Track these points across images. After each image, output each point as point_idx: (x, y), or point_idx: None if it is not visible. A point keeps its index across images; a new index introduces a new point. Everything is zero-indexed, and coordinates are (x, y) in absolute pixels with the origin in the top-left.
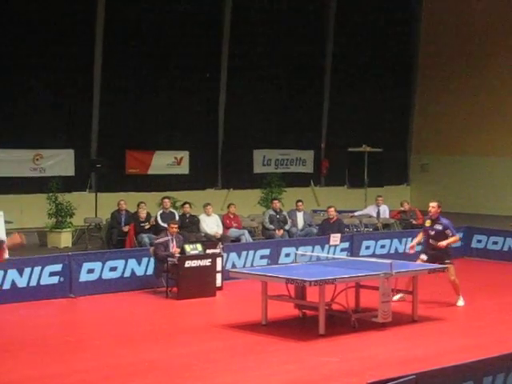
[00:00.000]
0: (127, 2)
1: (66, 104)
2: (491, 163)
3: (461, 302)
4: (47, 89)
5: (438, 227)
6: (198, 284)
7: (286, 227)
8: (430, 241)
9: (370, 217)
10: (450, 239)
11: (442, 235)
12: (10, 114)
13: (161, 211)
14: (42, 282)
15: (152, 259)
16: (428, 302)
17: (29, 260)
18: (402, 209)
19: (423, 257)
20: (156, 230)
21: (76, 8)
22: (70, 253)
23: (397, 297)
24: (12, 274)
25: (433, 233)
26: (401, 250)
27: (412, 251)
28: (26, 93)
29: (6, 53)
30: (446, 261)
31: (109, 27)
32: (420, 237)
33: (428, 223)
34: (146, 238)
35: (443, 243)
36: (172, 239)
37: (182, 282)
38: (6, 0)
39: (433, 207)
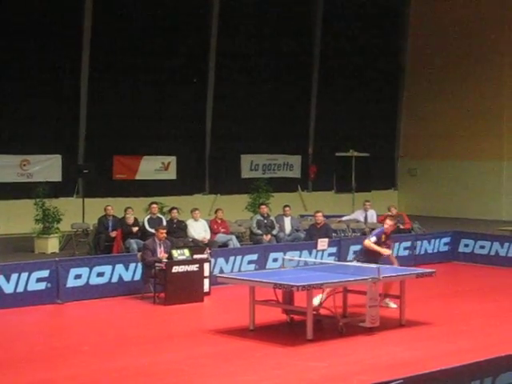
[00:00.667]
0: (114, 9)
1: (53, 109)
2: (478, 167)
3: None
4: (34, 94)
5: (389, 242)
6: (186, 289)
7: (274, 232)
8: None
9: (358, 222)
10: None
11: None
12: None
13: (148, 216)
14: (30, 288)
15: (139, 264)
16: (415, 306)
17: (16, 266)
18: (390, 213)
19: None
20: (143, 235)
21: (63, 15)
22: (57, 258)
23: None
24: None
25: (384, 246)
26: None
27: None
28: (12, 98)
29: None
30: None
31: (96, 33)
32: None
33: (383, 238)
34: (133, 243)
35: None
36: (159, 244)
37: (170, 287)
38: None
39: (391, 225)
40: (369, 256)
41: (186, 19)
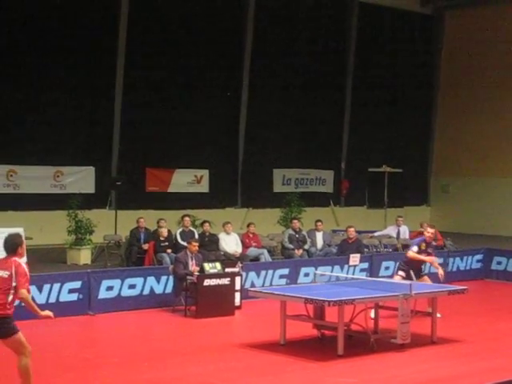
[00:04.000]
0: (148, 19)
1: (87, 121)
2: (511, 185)
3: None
4: (69, 106)
5: (430, 250)
6: (217, 303)
7: (306, 247)
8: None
9: (390, 237)
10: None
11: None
12: (32, 131)
13: (180, 229)
14: (61, 299)
15: (171, 277)
16: (447, 322)
17: (48, 276)
18: (422, 230)
19: (401, 273)
20: (175, 248)
21: (99, 26)
22: (89, 270)
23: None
24: (31, 290)
25: (424, 255)
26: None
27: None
28: (47, 110)
29: (29, 71)
30: (422, 272)
31: (130, 45)
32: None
33: (423, 246)
34: (166, 257)
35: (442, 272)
36: (191, 257)
37: (201, 300)
38: (28, 21)
39: (431, 233)
40: (412, 264)
41: (220, 34)
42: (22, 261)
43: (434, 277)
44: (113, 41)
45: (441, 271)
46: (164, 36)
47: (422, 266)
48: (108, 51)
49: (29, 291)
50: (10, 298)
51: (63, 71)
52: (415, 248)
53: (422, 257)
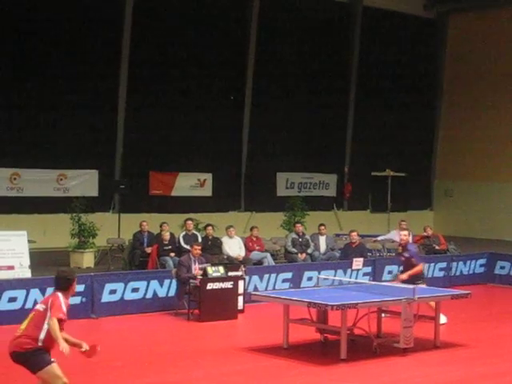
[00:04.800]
0: (152, 23)
1: (91, 125)
2: None
3: (443, 319)
4: (72, 109)
5: (406, 254)
6: (220, 306)
7: (309, 251)
8: (401, 270)
9: (393, 241)
10: (415, 269)
11: (408, 262)
12: (35, 135)
13: (183, 233)
14: None
15: (174, 281)
16: (450, 327)
17: (51, 280)
18: (425, 234)
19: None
20: (179, 251)
21: (102, 30)
22: (92, 273)
23: None
24: (34, 293)
25: (402, 259)
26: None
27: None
28: (50, 114)
29: (32, 74)
30: (417, 281)
31: (134, 49)
32: None
33: (399, 249)
34: (169, 260)
35: (404, 276)
36: (195, 261)
37: (204, 304)
38: (32, 25)
39: (405, 235)
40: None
41: (224, 38)
42: (63, 296)
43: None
44: (117, 45)
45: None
46: (168, 40)
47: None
48: (112, 55)
49: (62, 324)
50: (43, 334)
51: (67, 75)
52: None
53: None
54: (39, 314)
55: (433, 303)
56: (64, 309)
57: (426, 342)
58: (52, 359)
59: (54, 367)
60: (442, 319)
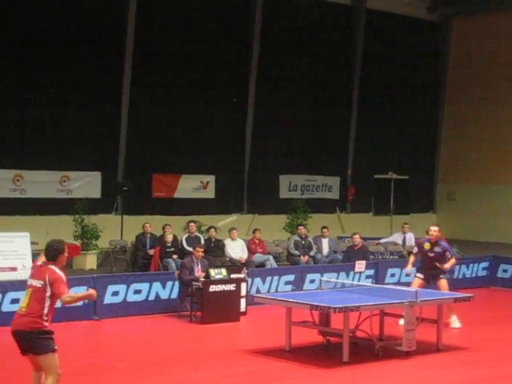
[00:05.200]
0: (155, 30)
1: (94, 127)
2: None
3: (457, 324)
4: (75, 111)
5: (438, 250)
6: (222, 309)
7: (311, 253)
8: (435, 262)
9: (396, 244)
10: (451, 261)
11: (441, 257)
12: (38, 136)
13: (186, 235)
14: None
15: (177, 283)
16: (453, 330)
17: None
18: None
19: (419, 275)
20: (181, 253)
21: (105, 31)
22: (94, 275)
23: None
24: None
25: (432, 255)
26: None
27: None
28: (54, 115)
29: (34, 76)
30: (441, 275)
31: (138, 51)
32: (413, 259)
33: (427, 246)
34: (172, 262)
35: (447, 265)
36: (197, 263)
37: (206, 306)
38: (34, 26)
39: (434, 231)
40: (424, 266)
41: (227, 41)
42: (57, 268)
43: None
44: (120, 48)
45: (447, 266)
46: (171, 43)
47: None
48: (115, 58)
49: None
50: (46, 310)
51: (70, 77)
52: (415, 249)
53: (410, 258)
54: (38, 291)
55: (453, 305)
56: (65, 279)
57: (429, 345)
58: (56, 347)
59: (56, 356)
60: (456, 323)
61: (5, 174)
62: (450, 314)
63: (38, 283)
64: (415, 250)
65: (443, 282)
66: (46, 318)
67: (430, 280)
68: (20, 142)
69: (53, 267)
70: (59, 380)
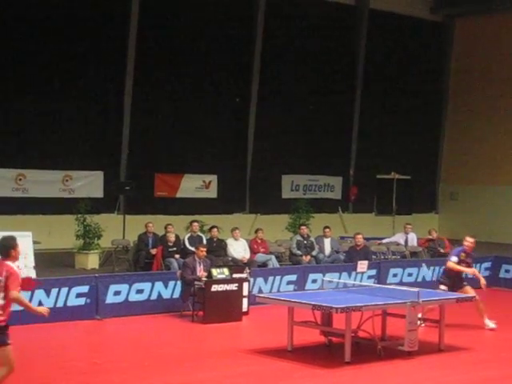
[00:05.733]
0: (159, 26)
1: (96, 126)
2: None
3: (491, 325)
4: (78, 111)
5: (469, 260)
6: (224, 308)
7: (314, 253)
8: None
9: (398, 244)
10: (477, 273)
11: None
12: (41, 135)
13: (189, 235)
14: (69, 303)
15: (179, 282)
16: (455, 330)
17: (56, 281)
18: (430, 237)
19: (444, 286)
20: (183, 253)
21: (107, 31)
22: (97, 274)
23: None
24: (39, 294)
25: (464, 265)
26: (428, 279)
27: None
28: (56, 114)
29: (37, 75)
30: (464, 283)
31: (140, 51)
32: (464, 269)
33: (462, 256)
34: (174, 262)
35: (484, 282)
36: (199, 263)
37: (209, 305)
38: (35, 26)
39: (471, 242)
40: (453, 276)
41: (230, 41)
42: (15, 265)
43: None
44: (122, 46)
45: (483, 281)
46: (174, 43)
47: (463, 277)
48: (117, 57)
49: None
50: (1, 302)
51: (72, 77)
52: (455, 258)
53: (463, 268)
54: None
55: (482, 305)
56: (20, 279)
57: (431, 345)
58: (9, 341)
59: (11, 350)
60: (491, 324)
61: (7, 173)
62: (481, 316)
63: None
64: (455, 259)
65: (468, 289)
66: (1, 313)
67: (456, 289)
68: (22, 142)
69: (9, 263)
70: (11, 372)
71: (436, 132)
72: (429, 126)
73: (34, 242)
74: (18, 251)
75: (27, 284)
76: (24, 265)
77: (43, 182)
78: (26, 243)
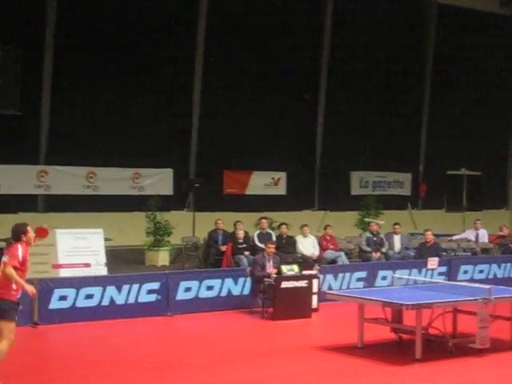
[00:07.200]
0: (226, 27)
1: (166, 124)
2: None
3: None
4: (148, 110)
5: None
6: (294, 305)
7: (383, 250)
8: None
9: (469, 241)
10: None
11: None
12: (111, 134)
13: (258, 231)
14: (140, 300)
15: (248, 279)
16: None
17: (127, 277)
18: (501, 233)
19: None
20: (253, 250)
21: (176, 35)
22: (167, 271)
23: None
24: (111, 290)
25: None
26: (500, 275)
27: None
28: (127, 112)
29: (108, 76)
30: None
31: (208, 51)
32: None
33: None
34: (244, 259)
35: None
36: (269, 259)
37: (278, 302)
38: (109, 31)
39: None
40: None
41: (298, 38)
42: (22, 245)
43: None
44: (191, 47)
45: None
46: (242, 39)
47: None
48: (186, 57)
49: (18, 272)
50: (14, 284)
51: (142, 75)
52: None
53: None
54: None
55: None
56: (20, 257)
57: (503, 342)
58: (16, 318)
59: (14, 326)
60: None
61: (78, 171)
62: None
63: (6, 258)
64: None
65: None
66: (11, 290)
67: None
68: (93, 140)
69: (17, 244)
70: (11, 346)
71: (507, 127)
72: (499, 120)
73: (106, 239)
74: (30, 237)
75: (40, 232)
76: (96, 261)
77: (113, 180)
78: (97, 240)
